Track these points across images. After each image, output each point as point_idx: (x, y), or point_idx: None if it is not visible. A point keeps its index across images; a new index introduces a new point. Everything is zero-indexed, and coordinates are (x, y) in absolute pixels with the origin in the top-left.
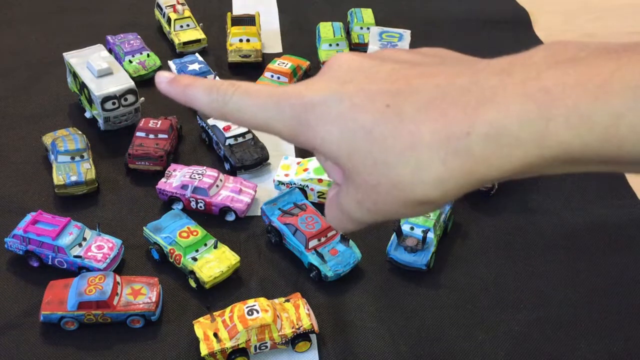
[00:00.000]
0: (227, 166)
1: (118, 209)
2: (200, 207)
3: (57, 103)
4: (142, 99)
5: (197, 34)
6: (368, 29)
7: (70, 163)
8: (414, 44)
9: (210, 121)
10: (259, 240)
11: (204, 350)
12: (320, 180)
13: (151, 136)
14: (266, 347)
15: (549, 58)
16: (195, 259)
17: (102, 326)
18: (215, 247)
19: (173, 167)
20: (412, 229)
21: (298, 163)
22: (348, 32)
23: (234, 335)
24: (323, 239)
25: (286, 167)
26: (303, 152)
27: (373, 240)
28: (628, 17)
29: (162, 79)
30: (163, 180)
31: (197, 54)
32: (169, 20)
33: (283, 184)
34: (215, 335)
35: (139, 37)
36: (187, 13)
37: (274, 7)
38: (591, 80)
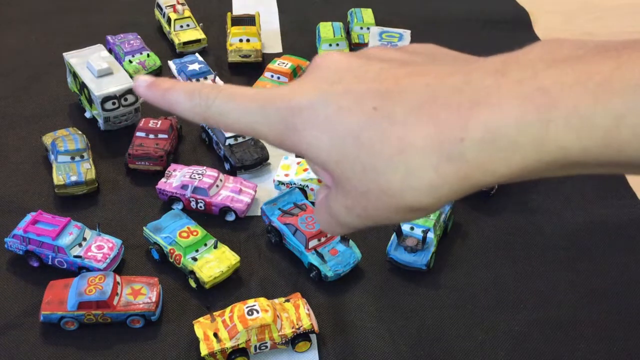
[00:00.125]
0: (227, 166)
1: (118, 209)
2: (200, 207)
3: (57, 103)
4: (142, 99)
5: (197, 34)
6: (368, 29)
7: (70, 163)
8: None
9: None
10: (259, 240)
11: (204, 350)
12: (320, 181)
13: (151, 136)
14: (266, 347)
15: (545, 56)
16: (195, 259)
17: (102, 326)
18: (215, 247)
19: (173, 167)
20: (412, 229)
21: (298, 163)
22: (348, 32)
23: (234, 335)
24: (323, 239)
25: (286, 167)
26: None
27: (373, 240)
28: (628, 17)
29: (141, 83)
30: (163, 180)
31: (197, 54)
32: (169, 20)
33: (283, 184)
34: (215, 335)
35: (139, 37)
36: (187, 13)
37: (274, 7)
38: (591, 80)
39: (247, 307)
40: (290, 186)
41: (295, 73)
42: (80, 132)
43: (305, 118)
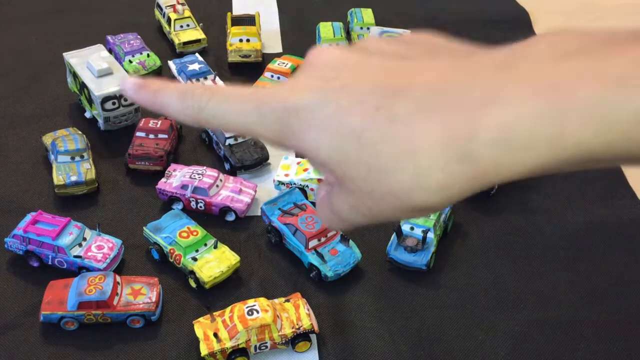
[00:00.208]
0: (227, 166)
1: (118, 209)
2: (200, 207)
3: (57, 103)
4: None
5: (197, 34)
6: (368, 29)
7: (70, 163)
8: None
9: None
10: (259, 240)
11: (204, 350)
12: (320, 180)
13: (151, 136)
14: (266, 347)
15: (553, 50)
16: (195, 259)
17: (102, 326)
18: (215, 247)
19: (173, 167)
20: (412, 229)
21: (298, 163)
22: (348, 32)
23: (234, 335)
24: (323, 239)
25: (286, 167)
26: None
27: (373, 240)
28: (628, 17)
29: (128, 85)
30: (163, 180)
31: (197, 54)
32: (169, 20)
33: (283, 184)
34: (215, 335)
35: (139, 37)
36: (187, 13)
37: (274, 7)
38: (606, 74)
39: (247, 307)
40: (290, 186)
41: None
42: (80, 132)
43: (303, 118)
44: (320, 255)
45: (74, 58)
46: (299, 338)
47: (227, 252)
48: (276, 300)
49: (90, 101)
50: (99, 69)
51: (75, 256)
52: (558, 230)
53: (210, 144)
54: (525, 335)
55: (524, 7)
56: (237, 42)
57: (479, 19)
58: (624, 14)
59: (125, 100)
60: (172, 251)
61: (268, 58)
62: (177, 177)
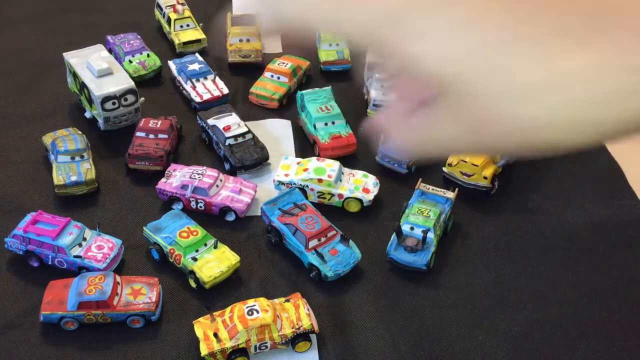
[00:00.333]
0: (227, 166)
1: (118, 209)
2: (200, 207)
3: (57, 103)
4: (142, 99)
5: (197, 34)
6: None
7: (70, 163)
8: None
9: (210, 121)
10: (259, 240)
11: (204, 350)
12: (320, 180)
13: (151, 136)
14: (266, 347)
15: None
16: (195, 259)
17: (102, 326)
18: (215, 247)
19: (173, 167)
20: (412, 229)
21: (298, 163)
22: None
23: (234, 335)
24: (323, 239)
25: (286, 167)
26: (303, 152)
27: (373, 240)
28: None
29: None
30: (163, 180)
31: (197, 54)
32: (169, 20)
33: (283, 184)
34: (215, 335)
35: (139, 37)
36: (187, 13)
37: None
38: None
39: (247, 307)
40: (290, 186)
41: (295, 73)
42: (80, 132)
43: (425, 25)
44: (320, 255)
45: (74, 58)
46: (299, 338)
47: (227, 252)
48: (276, 300)
49: (90, 101)
50: (99, 69)
51: (75, 256)
52: (558, 230)
53: (210, 144)
54: (525, 335)
55: None
56: (237, 42)
57: None
58: None
59: (125, 100)
60: (172, 251)
61: (268, 58)
62: (177, 177)
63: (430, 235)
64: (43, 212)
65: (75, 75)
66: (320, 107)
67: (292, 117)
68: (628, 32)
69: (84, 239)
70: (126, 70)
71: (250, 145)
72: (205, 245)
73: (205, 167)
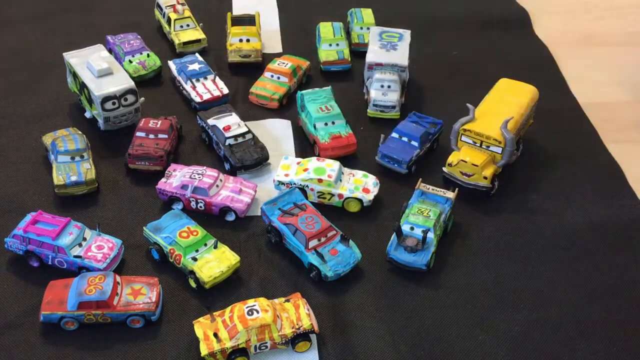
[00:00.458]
0: (227, 166)
1: (118, 209)
2: (200, 207)
3: (57, 103)
4: (142, 99)
5: (197, 34)
6: (368, 29)
7: (70, 163)
8: (414, 44)
9: (210, 121)
10: (259, 240)
11: (204, 350)
12: (320, 181)
13: (151, 136)
14: (266, 347)
15: None
16: (195, 259)
17: (102, 326)
18: (215, 247)
19: (173, 167)
20: (412, 229)
21: (298, 163)
22: (348, 32)
23: (234, 335)
24: (323, 239)
25: (286, 167)
26: (303, 152)
27: (373, 240)
28: (628, 17)
29: None
30: (163, 180)
31: (197, 54)
32: (169, 20)
33: (283, 184)
34: (215, 335)
35: (139, 37)
36: (187, 13)
37: (274, 7)
38: None
39: (247, 307)
40: (290, 186)
41: (295, 73)
42: (80, 132)
43: None
44: (320, 255)
45: (74, 58)
46: (299, 338)
47: (227, 252)
48: (276, 300)
49: (90, 101)
50: (99, 69)
51: (75, 256)
52: (558, 230)
53: (210, 144)
54: (525, 335)
55: (524, 7)
56: (237, 42)
57: (479, 19)
58: (624, 14)
59: (125, 100)
60: (172, 251)
61: (268, 58)
62: (177, 177)
63: (430, 235)
64: (43, 212)
65: (75, 75)
66: (320, 107)
67: (292, 117)
68: None
69: (84, 239)
70: (126, 70)
71: (250, 145)
72: (205, 245)
73: (205, 167)
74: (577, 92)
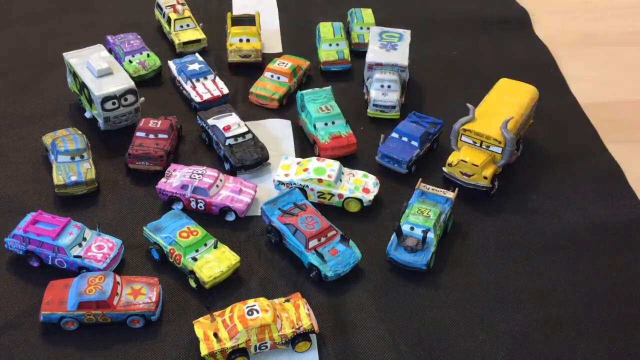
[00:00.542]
0: (227, 166)
1: (118, 209)
2: (200, 207)
3: (57, 103)
4: (142, 99)
5: (197, 34)
6: (368, 29)
7: (70, 163)
8: (414, 44)
9: (210, 121)
10: (259, 240)
11: (204, 350)
12: (320, 180)
13: (151, 136)
14: (266, 347)
15: None
16: (195, 259)
17: (102, 326)
18: (215, 247)
19: (173, 167)
20: (412, 229)
21: (298, 163)
22: (348, 32)
23: (234, 335)
24: (323, 239)
25: (286, 167)
26: (303, 152)
27: (373, 240)
28: (628, 17)
29: None
30: (163, 180)
31: (197, 54)
32: (169, 20)
33: (283, 184)
34: (215, 335)
35: (139, 37)
36: (187, 13)
37: (274, 7)
38: None
39: (247, 307)
40: (290, 186)
41: (295, 73)
42: (80, 132)
43: None
44: (320, 255)
45: (74, 58)
46: (299, 338)
47: (227, 252)
48: (276, 300)
49: (90, 101)
50: (99, 69)
51: (75, 256)
52: (558, 230)
53: (210, 144)
54: (525, 335)
55: (524, 7)
56: (237, 42)
57: (479, 19)
58: (624, 14)
59: (125, 100)
60: (172, 251)
61: (268, 58)
62: (177, 177)
63: (430, 235)
64: (43, 212)
65: (75, 75)
66: (320, 107)
67: (292, 117)
68: None
69: (84, 239)
70: (126, 70)
71: (250, 145)
72: (205, 245)
73: (205, 167)
74: (577, 92)
